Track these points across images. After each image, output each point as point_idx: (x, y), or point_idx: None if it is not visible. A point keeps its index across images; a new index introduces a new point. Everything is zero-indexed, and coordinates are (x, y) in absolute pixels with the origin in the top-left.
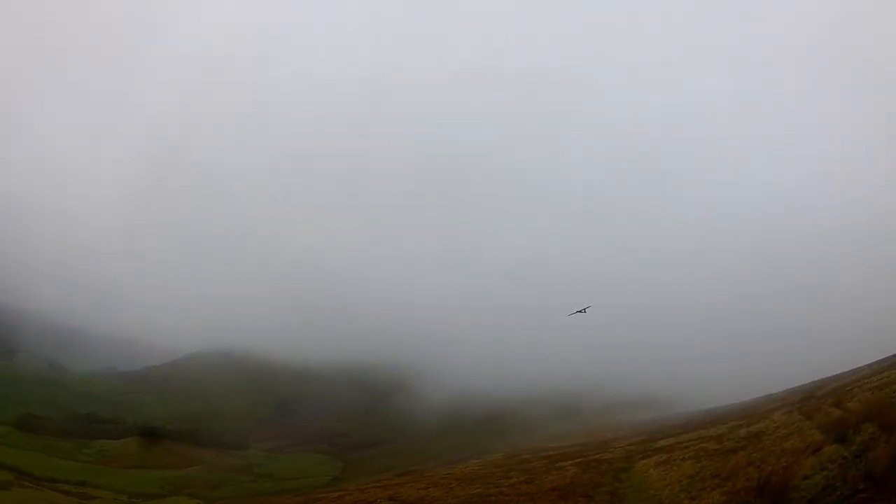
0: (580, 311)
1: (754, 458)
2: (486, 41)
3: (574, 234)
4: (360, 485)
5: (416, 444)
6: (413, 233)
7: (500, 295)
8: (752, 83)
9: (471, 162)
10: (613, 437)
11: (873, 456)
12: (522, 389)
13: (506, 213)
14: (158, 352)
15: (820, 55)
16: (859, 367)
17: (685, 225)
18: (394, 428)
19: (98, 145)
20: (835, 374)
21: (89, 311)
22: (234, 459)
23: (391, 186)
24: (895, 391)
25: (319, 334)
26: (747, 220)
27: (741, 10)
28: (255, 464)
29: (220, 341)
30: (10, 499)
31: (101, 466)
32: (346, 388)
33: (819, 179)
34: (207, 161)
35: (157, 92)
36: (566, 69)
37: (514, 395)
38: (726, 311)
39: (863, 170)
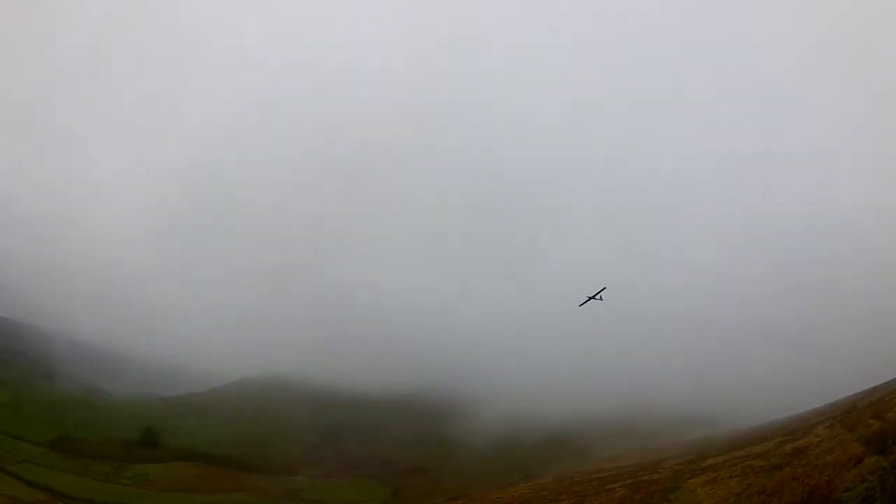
0: (595, 298)
1: (799, 474)
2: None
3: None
4: None
5: (466, 468)
6: (465, 254)
7: (551, 317)
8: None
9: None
10: (662, 457)
11: None
12: (576, 412)
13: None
14: (202, 378)
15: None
16: None
17: (730, 240)
18: (444, 453)
19: (143, 164)
20: (876, 384)
21: (131, 336)
22: (282, 485)
23: (444, 207)
24: None
25: (368, 359)
26: (793, 234)
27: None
28: (303, 489)
29: (266, 368)
30: None
31: (142, 489)
32: (396, 413)
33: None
34: (256, 184)
35: (201, 109)
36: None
37: (568, 417)
38: (771, 326)
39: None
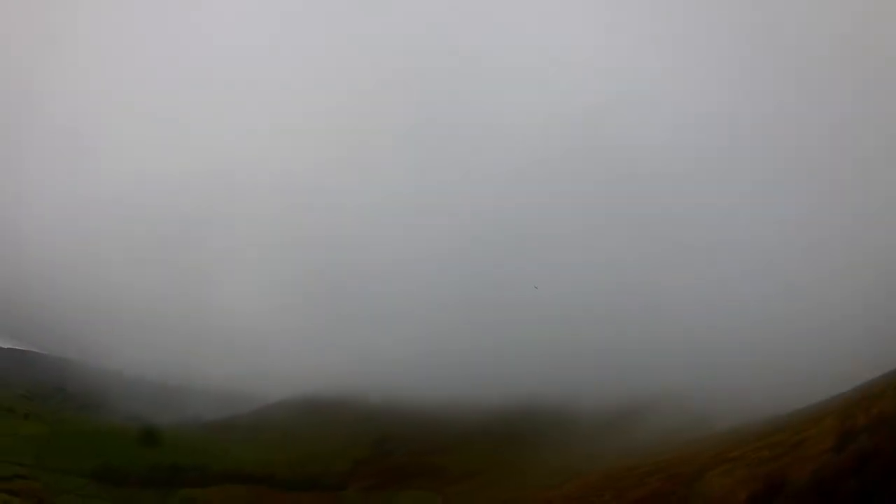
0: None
1: (789, 462)
2: None
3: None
4: None
5: (515, 471)
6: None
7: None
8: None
9: None
10: (697, 450)
11: None
12: (616, 408)
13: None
14: (245, 400)
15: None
16: None
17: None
18: (494, 458)
19: (165, 177)
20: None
21: (172, 364)
22: (331, 501)
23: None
24: None
25: (415, 369)
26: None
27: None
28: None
29: (308, 386)
30: None
31: None
32: (444, 422)
33: None
34: (274, 192)
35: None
36: None
37: (606, 412)
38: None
39: None
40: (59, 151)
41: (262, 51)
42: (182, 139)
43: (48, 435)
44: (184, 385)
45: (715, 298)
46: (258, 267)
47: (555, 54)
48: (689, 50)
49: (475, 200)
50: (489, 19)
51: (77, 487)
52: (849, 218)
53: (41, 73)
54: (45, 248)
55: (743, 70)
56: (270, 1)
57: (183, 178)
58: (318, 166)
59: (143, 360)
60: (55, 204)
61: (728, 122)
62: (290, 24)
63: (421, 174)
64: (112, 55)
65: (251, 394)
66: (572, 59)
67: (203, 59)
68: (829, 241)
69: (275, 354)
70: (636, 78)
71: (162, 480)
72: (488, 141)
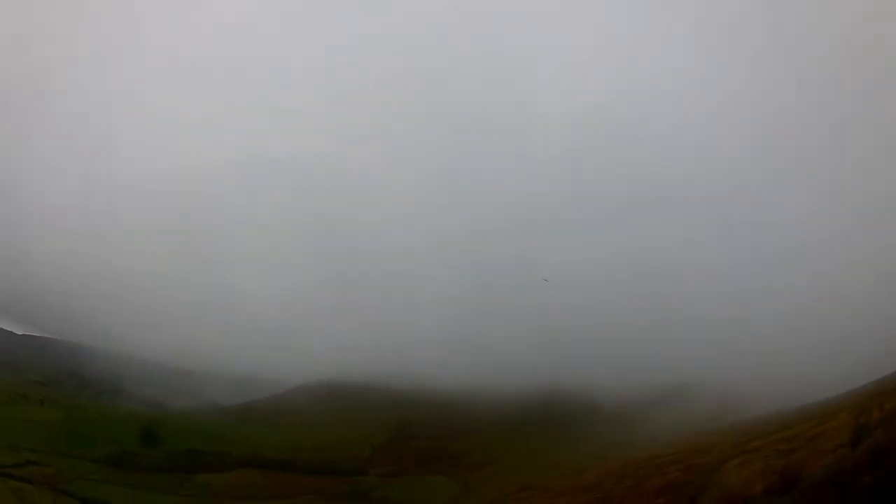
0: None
1: (804, 455)
2: None
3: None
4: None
5: (538, 458)
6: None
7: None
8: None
9: None
10: (717, 440)
11: None
12: (637, 397)
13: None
14: (263, 385)
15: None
16: None
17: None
18: (516, 445)
19: (180, 165)
20: None
21: (187, 349)
22: (350, 486)
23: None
24: None
25: (437, 355)
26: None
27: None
28: (372, 489)
29: (329, 372)
30: None
31: (206, 499)
32: (464, 409)
33: None
34: (294, 176)
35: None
36: None
37: (628, 402)
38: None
39: None
40: (74, 138)
41: (283, 33)
42: (200, 125)
43: (62, 420)
44: (202, 371)
45: (735, 290)
46: (279, 251)
47: (570, 48)
48: (698, 48)
49: (499, 186)
50: (515, 11)
51: (90, 472)
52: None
53: (57, 59)
54: (60, 235)
55: (753, 68)
56: None
57: (201, 163)
58: (339, 152)
59: (160, 346)
60: (70, 190)
61: (737, 120)
62: (313, 5)
63: (442, 160)
64: (128, 43)
65: (271, 379)
66: (585, 56)
67: (220, 47)
68: (841, 235)
69: (295, 339)
70: (639, 77)
71: (178, 466)
72: (509, 131)
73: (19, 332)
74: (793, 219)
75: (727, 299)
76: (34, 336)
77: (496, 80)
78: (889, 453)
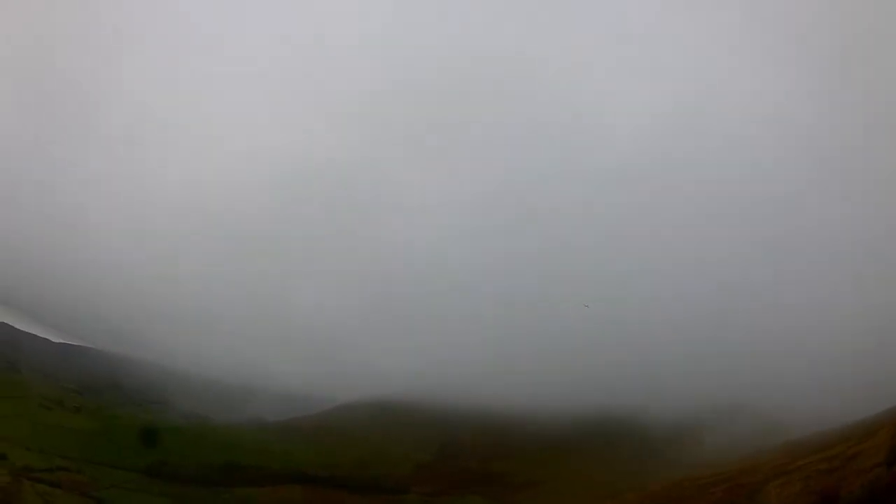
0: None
1: (843, 475)
2: None
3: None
4: None
5: (579, 480)
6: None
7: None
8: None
9: None
10: (760, 462)
11: None
12: (679, 417)
13: None
14: (309, 403)
15: None
16: None
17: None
18: (558, 466)
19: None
20: None
21: (236, 362)
22: None
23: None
24: None
25: (485, 375)
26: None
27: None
28: None
29: (377, 389)
30: None
31: None
32: (510, 430)
33: None
34: (351, 192)
35: None
36: None
37: (671, 422)
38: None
39: None
40: (120, 146)
41: (344, 45)
42: (258, 136)
43: (98, 429)
44: (247, 386)
45: (787, 309)
46: (331, 267)
47: (624, 59)
48: (762, 57)
49: (551, 203)
50: (569, 23)
51: (126, 481)
52: None
53: (106, 68)
54: (110, 246)
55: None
56: None
57: (258, 176)
58: (397, 166)
59: (205, 359)
60: (117, 199)
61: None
62: (369, 17)
63: (496, 177)
64: (177, 51)
65: (317, 397)
66: (639, 67)
67: (277, 58)
68: None
69: (345, 357)
70: (697, 89)
71: (216, 479)
72: (562, 145)
73: (56, 340)
74: (850, 237)
75: (779, 319)
76: (71, 345)
77: (548, 92)
78: None
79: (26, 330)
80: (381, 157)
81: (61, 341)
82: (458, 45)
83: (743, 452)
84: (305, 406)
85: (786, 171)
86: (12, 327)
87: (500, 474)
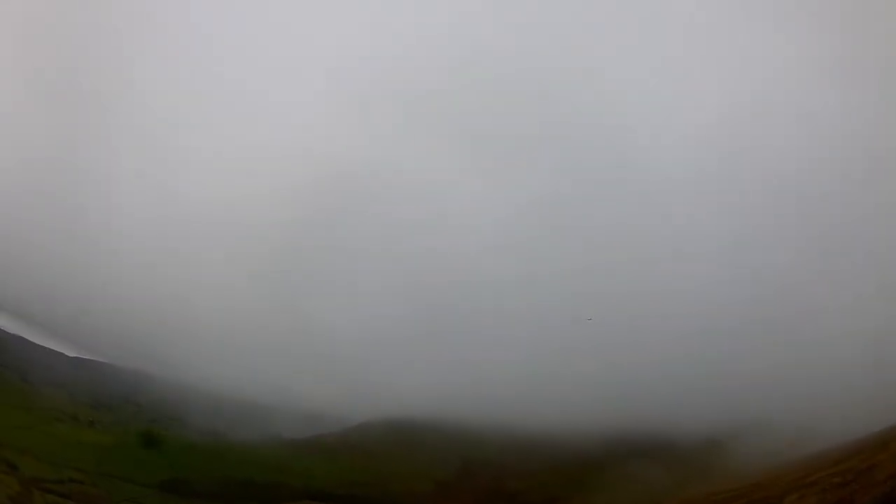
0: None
1: (856, 490)
2: None
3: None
4: None
5: (598, 498)
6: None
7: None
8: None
9: None
10: (777, 476)
11: None
12: (710, 431)
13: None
14: (332, 422)
15: None
16: None
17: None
18: (575, 484)
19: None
20: None
21: (257, 379)
22: None
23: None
24: None
25: (505, 393)
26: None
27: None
28: None
29: (401, 407)
30: None
31: None
32: (532, 447)
33: None
34: (378, 205)
35: None
36: None
37: (704, 435)
38: None
39: None
40: (144, 160)
41: (391, 51)
42: (285, 144)
43: (113, 444)
44: (269, 404)
45: (808, 328)
46: (358, 282)
47: (673, 68)
48: (815, 66)
49: (597, 216)
50: (616, 31)
51: (140, 496)
52: None
53: (137, 69)
54: (127, 260)
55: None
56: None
57: (276, 187)
58: (429, 176)
59: (225, 377)
60: (139, 213)
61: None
62: (425, 26)
63: (540, 188)
64: (213, 51)
65: (339, 414)
66: (689, 75)
67: (316, 58)
68: None
69: (370, 374)
70: (748, 98)
71: (233, 495)
72: (610, 155)
73: (71, 354)
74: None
75: (805, 330)
76: (86, 359)
77: (597, 101)
78: None
79: (40, 344)
80: (413, 167)
81: (76, 355)
82: (505, 55)
83: (760, 466)
84: (326, 424)
85: (840, 187)
86: (26, 340)
87: (518, 492)
